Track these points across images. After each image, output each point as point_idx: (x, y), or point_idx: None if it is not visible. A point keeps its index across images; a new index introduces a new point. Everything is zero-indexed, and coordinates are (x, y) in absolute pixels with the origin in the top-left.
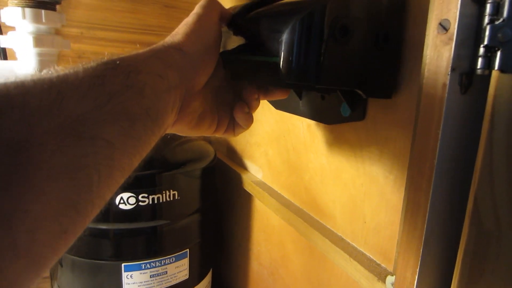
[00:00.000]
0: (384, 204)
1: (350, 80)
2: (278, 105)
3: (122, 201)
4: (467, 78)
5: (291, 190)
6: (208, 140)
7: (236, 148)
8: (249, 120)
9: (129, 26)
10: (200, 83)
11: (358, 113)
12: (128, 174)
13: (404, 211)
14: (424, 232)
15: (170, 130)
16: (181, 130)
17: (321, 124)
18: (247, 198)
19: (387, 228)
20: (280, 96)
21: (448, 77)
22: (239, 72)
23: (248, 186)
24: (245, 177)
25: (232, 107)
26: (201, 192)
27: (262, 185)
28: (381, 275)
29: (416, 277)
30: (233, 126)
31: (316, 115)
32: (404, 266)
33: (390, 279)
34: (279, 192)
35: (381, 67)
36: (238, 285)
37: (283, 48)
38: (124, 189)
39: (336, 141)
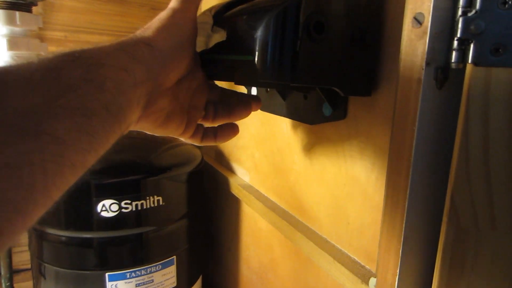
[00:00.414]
0: (367, 204)
1: (327, 78)
2: (262, 107)
3: (104, 208)
4: (443, 72)
5: (277, 193)
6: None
7: (224, 152)
8: (230, 137)
9: (115, 29)
10: (170, 81)
11: (339, 112)
12: (82, 172)
13: (383, 210)
14: (403, 231)
15: (135, 127)
16: (146, 127)
17: (305, 125)
18: (235, 202)
19: (370, 228)
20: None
21: (423, 71)
22: (216, 72)
23: (235, 189)
24: (233, 181)
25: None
26: (188, 197)
27: (249, 188)
28: (365, 277)
29: (397, 278)
30: (202, 133)
31: (299, 115)
32: (385, 267)
33: (373, 281)
34: (265, 195)
35: (359, 64)
36: None
37: (257, 46)
38: (106, 196)
39: (319, 141)
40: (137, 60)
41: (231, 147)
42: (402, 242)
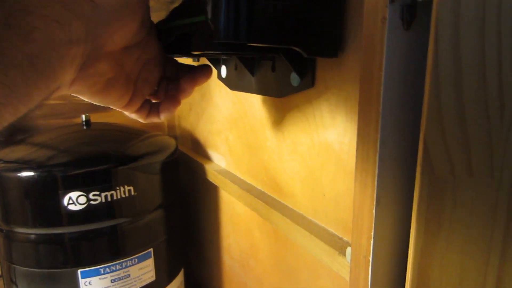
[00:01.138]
0: (341, 172)
1: (287, 36)
2: (232, 85)
3: (71, 202)
4: (409, 11)
5: (252, 174)
6: (173, 135)
7: (199, 140)
8: (172, 111)
9: None
10: (114, 44)
11: (307, 80)
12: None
13: (355, 170)
14: (376, 190)
15: (69, 90)
16: (82, 92)
17: (276, 99)
18: (213, 189)
19: (345, 197)
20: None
21: (387, 9)
22: (171, 42)
23: (212, 176)
24: (208, 167)
25: (156, 88)
26: (163, 187)
27: (225, 173)
28: (342, 248)
29: (372, 242)
30: (148, 109)
31: (268, 90)
32: (359, 232)
33: (349, 250)
34: (241, 178)
35: (322, 21)
36: (212, 283)
37: (210, 4)
38: (72, 188)
39: (290, 114)
40: (75, 14)
41: (206, 133)
42: (375, 202)
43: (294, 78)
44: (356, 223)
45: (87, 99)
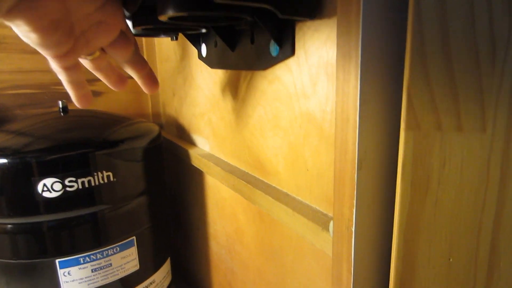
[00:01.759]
0: (324, 143)
1: None
2: (212, 63)
3: (45, 188)
4: None
5: (236, 155)
6: (159, 123)
7: (184, 125)
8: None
9: None
10: None
11: (286, 49)
12: None
13: (335, 132)
14: (357, 153)
15: (6, 18)
16: (19, 24)
17: (257, 73)
18: (198, 175)
19: (329, 169)
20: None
21: None
22: (139, 13)
23: (196, 160)
24: (192, 152)
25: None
26: (146, 173)
27: (209, 157)
28: (326, 224)
29: (354, 211)
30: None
31: (248, 63)
32: (340, 201)
33: (332, 224)
34: (225, 160)
35: None
36: (200, 271)
37: None
38: (45, 174)
39: (271, 87)
40: None
41: (189, 117)
42: (356, 166)
43: (273, 47)
44: (338, 192)
45: (24, 35)
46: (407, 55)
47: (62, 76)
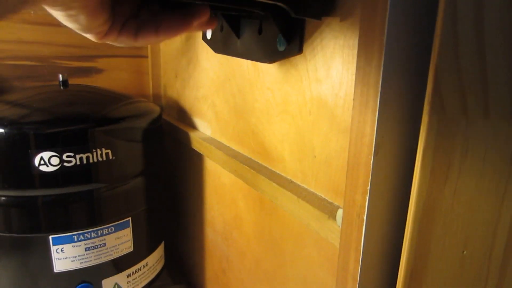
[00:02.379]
0: (335, 130)
1: None
2: (217, 48)
3: (42, 162)
4: None
5: (239, 139)
6: (159, 104)
7: (185, 107)
8: (176, 34)
9: None
10: None
11: (294, 46)
12: None
13: (352, 115)
14: (375, 137)
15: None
16: (74, 5)
17: None
18: (198, 159)
19: (338, 157)
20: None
21: None
22: None
23: (197, 144)
24: (193, 135)
25: (134, 8)
26: (145, 154)
27: (210, 141)
28: (332, 212)
29: (367, 197)
30: (136, 29)
31: (253, 54)
32: (353, 186)
33: (340, 212)
34: (227, 145)
35: None
36: (193, 257)
37: None
38: (43, 147)
39: (282, 69)
40: None
41: (192, 99)
42: (373, 151)
43: (281, 42)
44: (350, 177)
45: (72, 22)
46: (436, 33)
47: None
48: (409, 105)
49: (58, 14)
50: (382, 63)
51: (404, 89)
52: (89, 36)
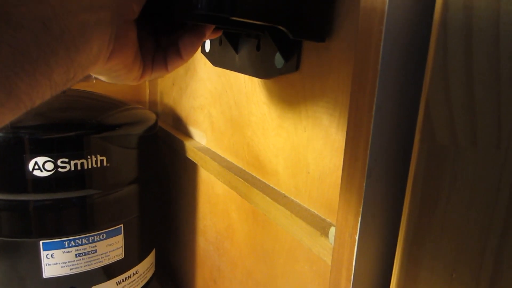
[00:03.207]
0: (329, 148)
1: (273, 14)
2: (215, 61)
3: (37, 167)
4: None
5: (234, 151)
6: (155, 111)
7: (181, 116)
8: (196, 48)
9: None
10: (134, 11)
11: (291, 64)
12: (18, 100)
13: (346, 139)
14: (368, 161)
15: (105, 68)
16: (117, 67)
17: None
18: (192, 168)
19: (332, 174)
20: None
21: None
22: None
23: (191, 153)
24: (188, 144)
25: (154, 41)
26: (139, 161)
27: (205, 150)
28: (325, 229)
29: (359, 218)
30: (164, 60)
31: (251, 69)
32: (346, 207)
33: (332, 230)
34: (222, 155)
35: (311, 4)
36: (184, 266)
37: None
38: (38, 152)
39: (278, 85)
40: None
41: (188, 108)
42: (366, 174)
43: (279, 60)
44: (344, 197)
45: (114, 78)
46: (428, 65)
47: (155, 76)
48: (401, 131)
49: (101, 77)
50: (376, 90)
51: (396, 116)
52: (127, 83)
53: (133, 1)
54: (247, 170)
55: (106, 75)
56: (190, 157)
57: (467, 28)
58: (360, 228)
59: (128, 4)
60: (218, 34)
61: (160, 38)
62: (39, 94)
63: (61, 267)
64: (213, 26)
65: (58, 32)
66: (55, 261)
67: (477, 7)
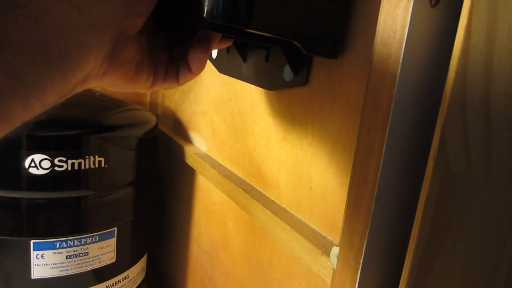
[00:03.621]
0: (335, 164)
1: (288, 29)
2: (222, 68)
3: (33, 164)
4: None
5: (235, 160)
6: (155, 113)
7: (182, 120)
8: (204, 62)
9: None
10: (136, 25)
11: (301, 78)
12: (9, 123)
13: (354, 160)
14: (377, 184)
15: (101, 82)
16: (113, 82)
17: None
18: (190, 173)
19: (335, 192)
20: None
21: None
22: (163, 12)
23: (190, 158)
24: (188, 150)
25: (168, 52)
26: (137, 164)
27: (205, 157)
28: (326, 248)
29: (365, 242)
30: (177, 72)
31: (259, 80)
32: (351, 229)
33: (335, 250)
34: (222, 164)
35: (326, 19)
36: (175, 273)
37: None
38: (35, 149)
39: (285, 97)
40: None
41: (190, 113)
42: (375, 198)
43: (288, 73)
44: (350, 219)
45: (118, 89)
46: (445, 95)
47: (165, 88)
48: (414, 156)
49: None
50: (391, 113)
51: (409, 140)
52: (135, 91)
53: (135, 16)
54: (247, 181)
55: (107, 87)
56: (189, 163)
57: (488, 55)
58: (365, 252)
59: (130, 20)
60: (228, 44)
61: (174, 50)
62: (30, 114)
63: (51, 268)
64: (218, 39)
65: (57, 55)
66: (45, 261)
67: (500, 37)
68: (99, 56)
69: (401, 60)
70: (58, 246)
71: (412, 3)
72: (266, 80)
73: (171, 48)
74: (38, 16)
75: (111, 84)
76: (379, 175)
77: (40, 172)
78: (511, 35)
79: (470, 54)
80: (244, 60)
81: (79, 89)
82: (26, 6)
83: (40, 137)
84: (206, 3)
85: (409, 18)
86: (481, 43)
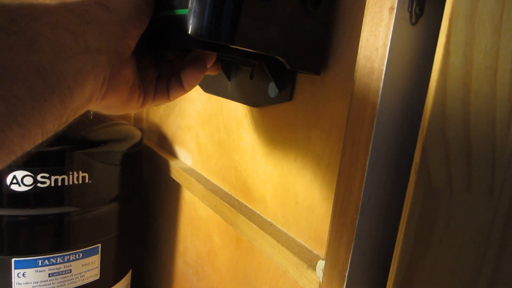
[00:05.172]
0: (320, 179)
1: (272, 45)
2: (207, 87)
3: (14, 181)
4: (419, 3)
5: (220, 174)
6: (140, 128)
7: (167, 134)
8: (199, 80)
9: None
10: (131, 46)
11: (285, 93)
12: (9, 151)
13: (339, 174)
14: (362, 198)
15: (99, 106)
16: (111, 105)
17: None
18: (175, 188)
19: (321, 206)
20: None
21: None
22: (150, 35)
23: (176, 173)
24: (173, 164)
25: (156, 70)
26: (122, 179)
27: (190, 171)
28: (312, 261)
29: (350, 255)
30: (167, 88)
31: (243, 97)
32: (337, 242)
33: (320, 264)
34: (208, 178)
35: (309, 35)
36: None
37: None
38: (18, 166)
39: (270, 112)
40: (88, 22)
41: (175, 128)
42: (359, 211)
43: (272, 89)
44: (335, 232)
45: (115, 111)
46: (426, 111)
47: (156, 105)
48: (396, 170)
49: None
50: (373, 129)
51: (392, 154)
52: (125, 112)
53: (132, 37)
54: (233, 195)
55: (102, 111)
56: (174, 177)
57: (466, 72)
58: (350, 265)
59: (125, 42)
60: (217, 71)
61: (162, 67)
62: (30, 142)
63: (33, 287)
64: (214, 58)
65: (53, 80)
66: (26, 280)
67: (477, 56)
68: (97, 80)
69: (383, 77)
70: (40, 264)
71: (393, 21)
72: (251, 97)
73: (158, 66)
74: (32, 41)
75: (108, 107)
76: (363, 189)
77: (22, 188)
78: (488, 53)
79: (449, 71)
80: (229, 78)
81: (79, 113)
82: (20, 33)
83: None
84: (191, 21)
85: (390, 36)
86: (460, 61)
